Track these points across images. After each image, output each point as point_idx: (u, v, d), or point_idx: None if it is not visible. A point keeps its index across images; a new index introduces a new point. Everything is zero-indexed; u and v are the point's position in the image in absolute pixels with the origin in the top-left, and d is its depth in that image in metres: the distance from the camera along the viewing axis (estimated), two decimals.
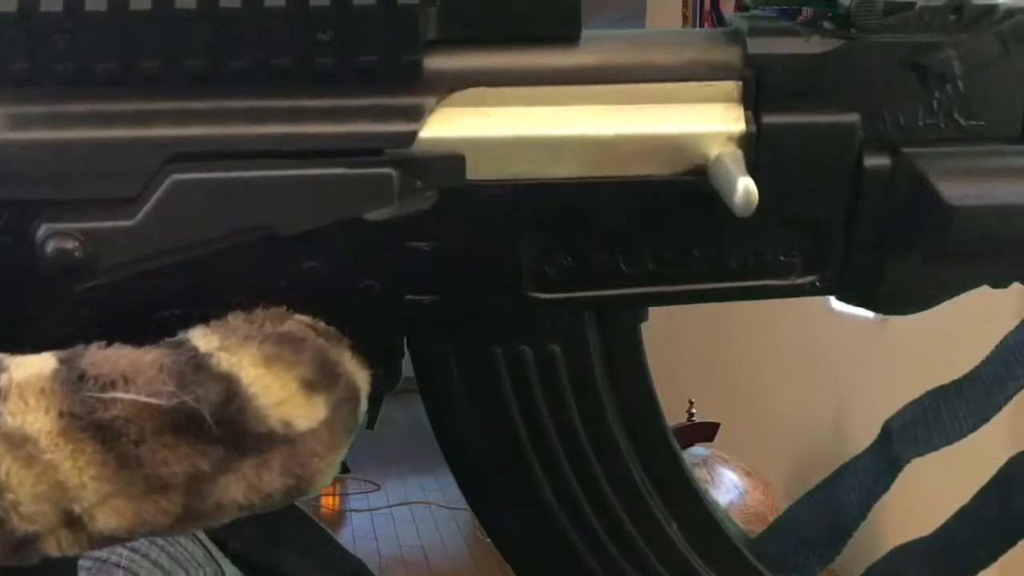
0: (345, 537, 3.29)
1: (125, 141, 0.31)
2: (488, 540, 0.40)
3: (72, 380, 0.28)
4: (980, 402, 0.41)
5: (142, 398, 0.28)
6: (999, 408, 0.41)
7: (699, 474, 1.79)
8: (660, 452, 0.37)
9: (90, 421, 0.27)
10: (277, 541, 0.40)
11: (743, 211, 0.30)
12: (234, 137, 0.31)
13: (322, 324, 0.32)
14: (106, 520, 0.28)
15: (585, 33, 0.32)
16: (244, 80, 0.31)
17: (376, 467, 3.45)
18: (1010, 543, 0.42)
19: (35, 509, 0.27)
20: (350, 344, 0.32)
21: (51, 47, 0.30)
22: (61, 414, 0.27)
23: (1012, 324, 0.41)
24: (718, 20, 2.57)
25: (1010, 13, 0.32)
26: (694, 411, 2.08)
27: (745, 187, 0.30)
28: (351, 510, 3.38)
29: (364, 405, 0.32)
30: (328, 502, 3.50)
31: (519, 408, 0.36)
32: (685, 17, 2.79)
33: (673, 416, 2.09)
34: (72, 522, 0.28)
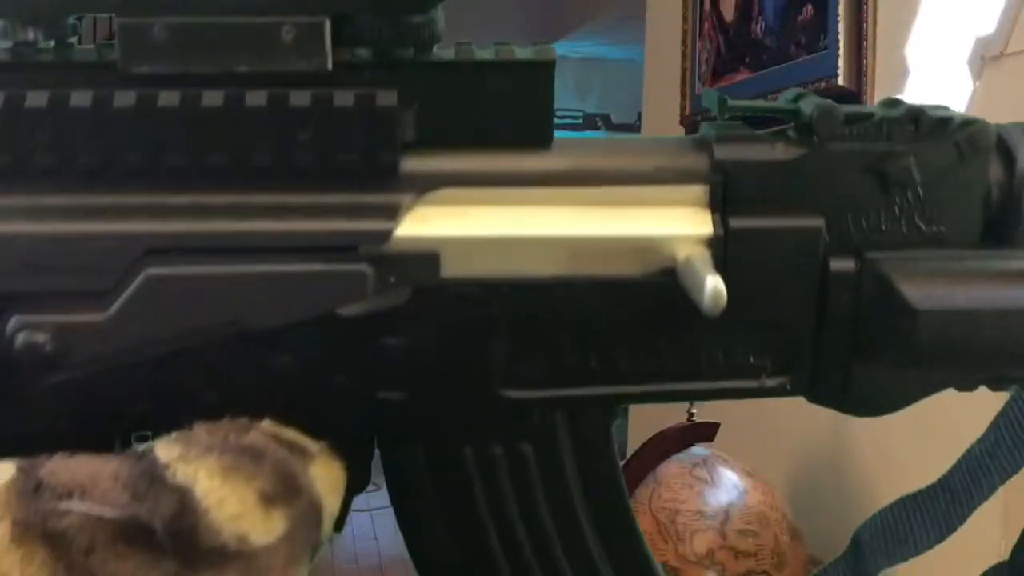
0: (345, 537, 3.29)
1: (100, 235, 0.31)
2: None
3: (28, 490, 0.28)
4: (948, 513, 0.42)
5: (95, 510, 0.27)
6: (966, 518, 0.42)
7: (699, 474, 1.79)
8: (630, 553, 0.37)
9: (42, 530, 0.27)
10: None
11: (712, 310, 0.30)
12: (210, 233, 0.31)
13: (289, 434, 0.31)
14: None
15: (557, 139, 0.33)
16: (223, 176, 0.31)
17: (376, 467, 3.45)
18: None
19: None
20: (321, 450, 0.32)
21: (34, 141, 0.30)
22: (15, 523, 0.27)
23: None
24: (719, 21, 2.57)
25: (965, 123, 0.34)
26: (694, 411, 2.07)
27: (714, 286, 0.30)
28: (351, 510, 3.38)
29: (328, 522, 0.32)
30: None
31: (488, 508, 0.36)
32: (685, 17, 2.78)
33: (673, 416, 2.09)
34: None
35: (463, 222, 0.32)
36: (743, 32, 2.44)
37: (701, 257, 0.32)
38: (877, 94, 1.92)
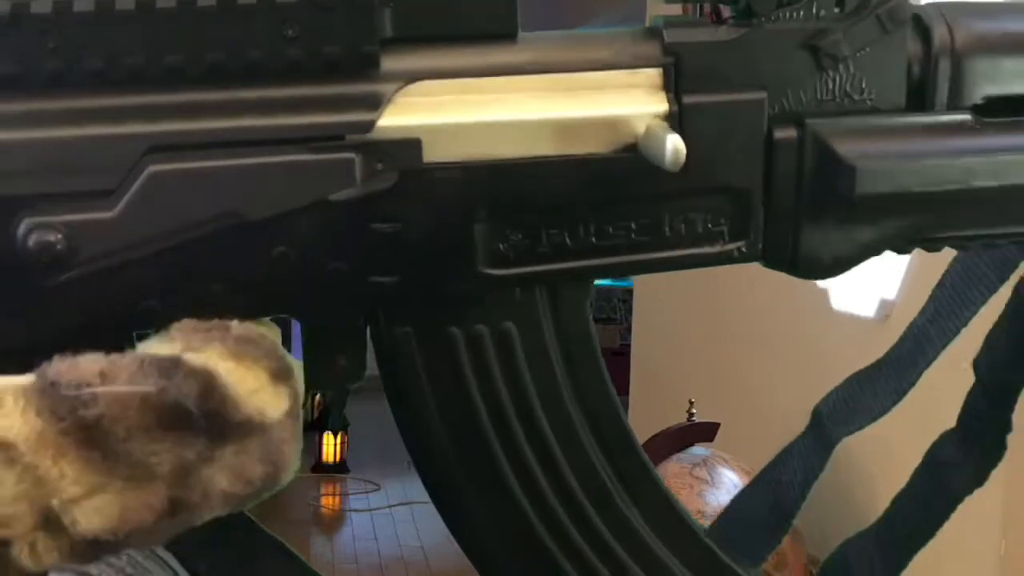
0: (345, 537, 3.29)
1: (103, 136, 0.32)
2: None
3: (45, 384, 0.28)
4: (898, 380, 0.45)
5: (127, 388, 0.28)
6: (912, 384, 0.45)
7: (699, 474, 1.79)
8: (614, 432, 0.39)
9: (73, 421, 0.27)
10: (247, 567, 0.40)
11: (673, 166, 0.33)
12: (206, 130, 0.33)
13: (262, 329, 0.33)
14: (88, 520, 0.28)
15: (522, 33, 0.36)
16: (216, 74, 0.33)
17: (376, 467, 3.45)
18: (944, 516, 0.45)
19: (12, 511, 0.27)
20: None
21: (38, 47, 0.32)
22: (39, 413, 0.27)
23: None
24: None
25: (885, 1, 0.37)
26: (694, 411, 2.07)
27: (674, 144, 0.33)
28: (351, 510, 3.39)
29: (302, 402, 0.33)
30: (328, 502, 3.50)
31: (479, 390, 0.37)
32: None
33: (673, 416, 2.09)
34: (51, 523, 0.28)
35: (441, 110, 0.34)
36: None
37: (660, 125, 0.35)
38: None
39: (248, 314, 0.33)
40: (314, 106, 0.33)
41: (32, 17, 0.31)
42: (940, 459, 0.46)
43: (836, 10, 0.36)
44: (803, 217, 0.37)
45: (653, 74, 0.36)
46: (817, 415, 0.46)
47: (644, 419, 2.29)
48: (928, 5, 0.38)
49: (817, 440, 0.46)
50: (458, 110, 0.35)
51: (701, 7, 0.38)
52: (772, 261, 0.38)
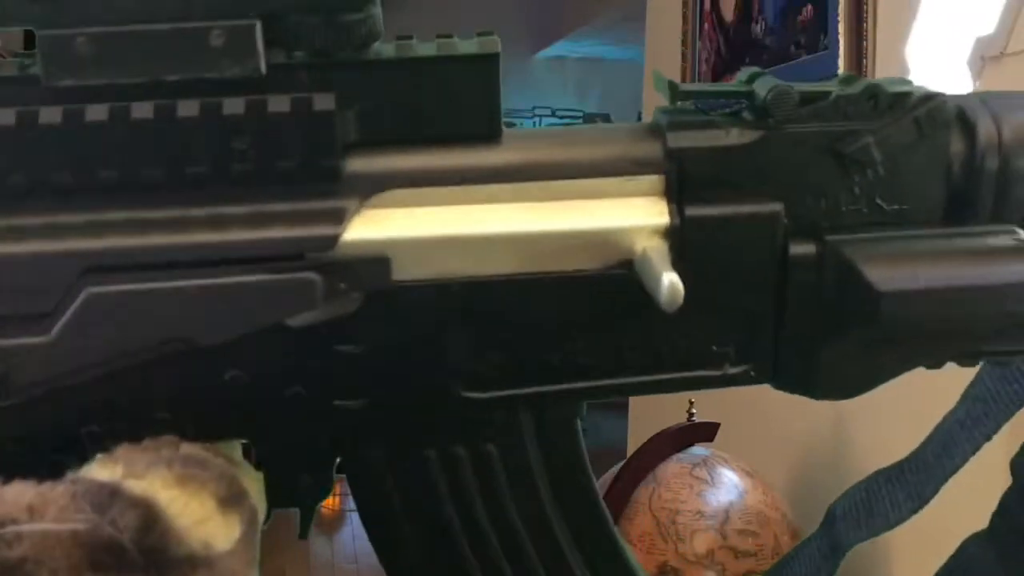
0: (345, 537, 3.29)
1: (37, 255, 0.30)
2: None
3: None
4: (920, 485, 0.42)
5: (55, 526, 0.25)
6: (937, 491, 0.43)
7: (699, 474, 1.79)
8: (604, 549, 0.36)
9: None
10: None
11: (670, 307, 0.30)
12: (149, 248, 0.30)
13: (212, 446, 0.31)
14: None
15: (507, 131, 0.32)
16: (159, 189, 0.30)
17: None
18: None
19: None
20: (241, 458, 0.32)
21: None
22: None
23: None
24: (719, 21, 2.57)
25: (924, 99, 0.33)
26: (694, 411, 2.07)
27: (670, 283, 0.30)
28: (351, 510, 3.38)
29: (259, 527, 0.31)
30: (328, 502, 3.49)
31: (455, 509, 0.35)
32: (685, 18, 2.78)
33: (673, 416, 2.09)
34: None
35: (413, 223, 0.31)
36: (743, 32, 2.44)
37: (657, 251, 0.31)
38: None
39: (199, 440, 0.31)
40: (269, 222, 0.30)
41: None
42: (969, 556, 0.43)
43: (869, 105, 0.33)
44: (821, 340, 0.34)
45: (654, 181, 0.33)
46: (831, 516, 0.44)
47: (644, 419, 2.29)
48: (970, 95, 0.35)
49: (828, 544, 0.43)
50: (431, 223, 0.31)
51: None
52: (786, 384, 0.36)
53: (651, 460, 1.82)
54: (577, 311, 0.33)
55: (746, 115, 0.33)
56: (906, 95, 0.33)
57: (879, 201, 0.33)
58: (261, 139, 0.30)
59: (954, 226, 0.34)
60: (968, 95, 0.35)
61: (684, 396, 2.13)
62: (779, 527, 1.72)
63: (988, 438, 0.41)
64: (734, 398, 2.46)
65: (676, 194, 0.33)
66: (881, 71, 1.90)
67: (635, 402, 2.86)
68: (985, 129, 0.33)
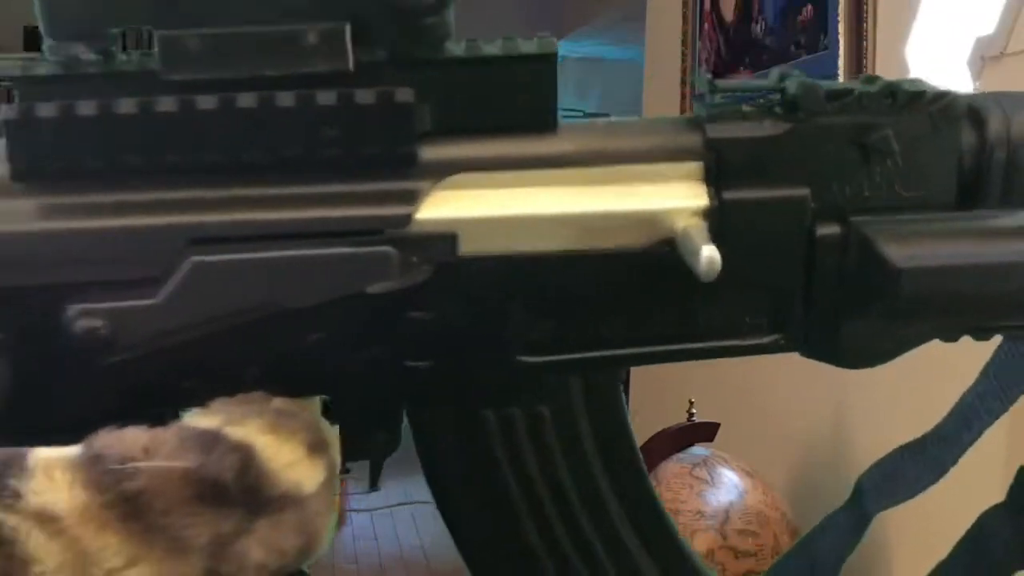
0: (345, 537, 3.29)
1: (148, 228, 0.34)
2: None
3: (91, 457, 0.29)
4: (940, 458, 0.45)
5: (168, 464, 0.29)
6: (955, 462, 0.45)
7: (699, 474, 1.79)
8: (650, 516, 0.39)
9: (116, 494, 0.29)
10: None
11: (707, 276, 0.33)
12: (247, 222, 0.34)
13: (297, 401, 0.34)
14: None
15: (562, 123, 0.36)
16: (257, 170, 0.34)
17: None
18: None
19: None
20: (321, 413, 0.35)
21: (86, 145, 0.33)
22: (85, 486, 0.29)
23: None
24: (719, 21, 2.57)
25: (938, 96, 0.36)
26: (694, 411, 2.08)
27: (709, 255, 0.33)
28: (351, 510, 3.38)
29: (339, 471, 0.34)
30: None
31: (511, 470, 0.38)
32: (685, 18, 2.78)
33: (673, 416, 2.09)
34: None
35: (478, 204, 0.35)
36: (743, 32, 2.44)
37: (697, 228, 0.34)
38: None
39: (285, 395, 0.34)
40: (352, 201, 0.34)
41: (78, 118, 0.33)
42: (986, 530, 0.45)
43: (888, 101, 0.36)
44: (846, 313, 0.37)
45: (694, 167, 0.36)
46: (859, 489, 0.46)
47: (644, 419, 2.29)
48: (986, 94, 0.38)
49: (855, 515, 0.46)
50: (495, 203, 0.35)
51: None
52: (814, 353, 0.39)
53: (651, 460, 1.82)
54: (624, 284, 0.36)
55: (777, 109, 0.36)
56: (921, 93, 0.36)
57: (898, 188, 0.36)
58: (348, 127, 0.33)
59: (966, 210, 0.37)
60: (982, 94, 0.38)
61: (684, 396, 2.14)
62: (779, 527, 1.72)
63: (1005, 409, 0.44)
64: (734, 398, 2.46)
65: (714, 179, 0.35)
66: (881, 71, 1.90)
67: (635, 402, 2.86)
68: (995, 124, 0.36)
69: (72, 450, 0.30)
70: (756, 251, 0.36)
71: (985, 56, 1.60)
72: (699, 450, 1.89)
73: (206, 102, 0.33)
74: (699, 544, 1.70)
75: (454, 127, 0.35)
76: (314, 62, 0.33)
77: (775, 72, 0.37)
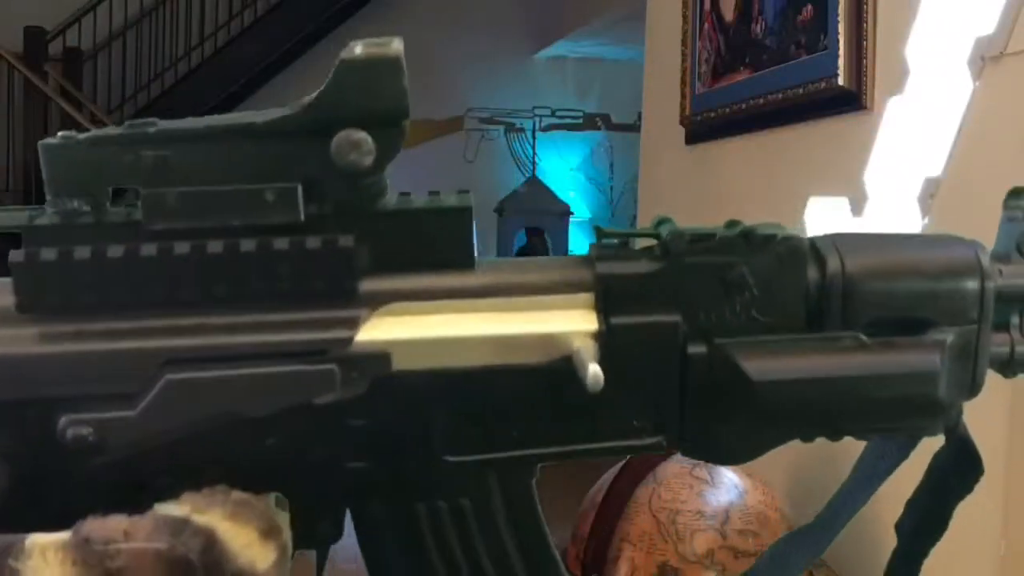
0: (345, 537, 3.28)
1: (130, 351, 0.40)
2: None
3: (80, 541, 0.35)
4: (818, 542, 0.50)
5: (145, 545, 0.35)
6: (831, 542, 0.51)
7: (699, 474, 1.79)
8: None
9: (102, 570, 0.34)
10: None
11: (593, 389, 0.39)
12: (214, 346, 0.40)
13: (253, 495, 0.40)
14: None
15: (479, 260, 0.43)
16: (222, 303, 0.40)
17: None
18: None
19: None
20: (275, 503, 0.41)
21: (80, 283, 0.40)
22: (74, 563, 0.34)
23: None
24: (719, 21, 2.57)
25: (785, 239, 0.43)
26: None
27: (593, 371, 0.39)
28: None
29: (290, 553, 0.40)
30: None
31: (438, 555, 0.44)
32: (685, 17, 2.78)
33: None
34: None
35: (408, 328, 0.41)
36: (743, 32, 2.44)
37: (588, 348, 0.41)
38: (877, 94, 1.92)
39: (243, 490, 0.39)
40: (302, 327, 0.41)
41: (74, 261, 0.40)
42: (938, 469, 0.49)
43: (743, 243, 0.43)
44: (715, 419, 0.44)
45: (587, 297, 0.43)
46: (753, 571, 0.52)
47: None
48: (826, 236, 0.45)
49: None
50: (422, 327, 0.41)
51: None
52: (692, 452, 0.45)
53: (651, 460, 1.82)
54: (532, 393, 0.42)
55: (656, 250, 0.43)
56: (772, 236, 0.43)
57: (755, 314, 0.43)
58: (299, 267, 0.40)
59: (813, 332, 0.44)
60: (823, 236, 0.45)
61: None
62: (779, 527, 1.72)
63: (860, 507, 0.51)
64: None
65: (603, 307, 0.43)
66: (881, 71, 1.90)
67: None
68: (832, 262, 0.44)
69: (63, 535, 0.35)
70: (638, 366, 0.43)
71: (985, 56, 1.60)
72: None
73: (181, 247, 0.40)
74: (699, 544, 1.70)
75: (388, 265, 0.41)
76: (271, 215, 0.40)
77: (655, 219, 0.44)
